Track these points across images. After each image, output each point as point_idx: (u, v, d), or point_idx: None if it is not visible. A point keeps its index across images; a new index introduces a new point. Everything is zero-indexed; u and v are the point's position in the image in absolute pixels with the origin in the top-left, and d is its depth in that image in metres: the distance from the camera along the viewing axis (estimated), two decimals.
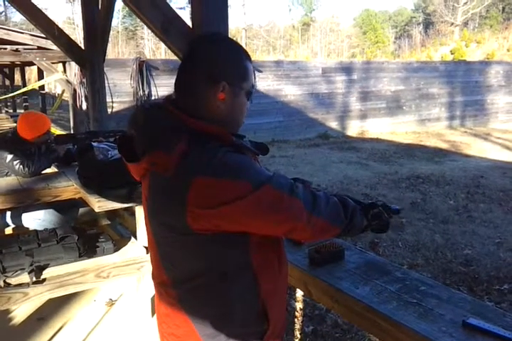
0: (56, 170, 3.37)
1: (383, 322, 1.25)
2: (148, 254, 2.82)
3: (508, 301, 3.24)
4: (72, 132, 8.71)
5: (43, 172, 3.26)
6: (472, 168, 8.24)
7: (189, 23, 2.05)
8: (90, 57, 4.12)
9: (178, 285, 1.12)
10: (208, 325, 1.10)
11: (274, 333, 1.18)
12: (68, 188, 2.90)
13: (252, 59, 1.17)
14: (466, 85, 14.18)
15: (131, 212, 4.11)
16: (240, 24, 45.58)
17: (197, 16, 1.98)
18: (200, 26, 1.90)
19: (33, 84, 10.18)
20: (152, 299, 2.92)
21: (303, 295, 3.04)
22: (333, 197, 1.16)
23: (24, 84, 13.40)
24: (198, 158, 0.98)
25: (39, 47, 8.66)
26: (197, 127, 1.03)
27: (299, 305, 3.06)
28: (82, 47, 4.23)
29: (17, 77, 17.77)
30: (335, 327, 2.87)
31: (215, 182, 0.96)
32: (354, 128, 12.54)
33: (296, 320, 2.94)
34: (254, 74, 1.16)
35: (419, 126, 13.52)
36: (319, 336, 2.79)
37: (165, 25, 2.00)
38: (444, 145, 11.00)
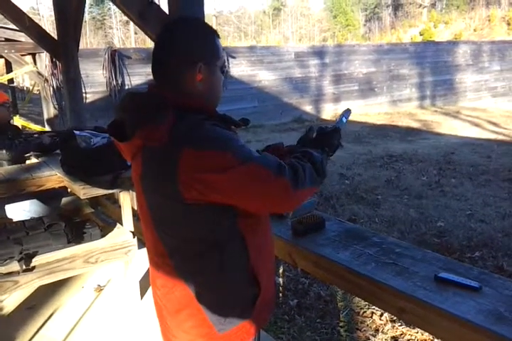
0: (37, 160, 3.38)
1: (363, 281, 1.36)
2: (135, 238, 2.90)
3: (478, 267, 3.40)
4: (46, 126, 8.65)
5: (23, 163, 3.27)
6: (443, 145, 8.48)
7: (166, 9, 2.10)
8: (64, 46, 4.09)
9: (174, 254, 1.18)
10: (206, 293, 1.18)
11: (265, 299, 1.26)
12: (52, 177, 2.92)
13: (225, 45, 1.24)
14: (435, 65, 14.46)
15: (113, 201, 4.15)
16: (210, 11, 45.05)
17: (173, 2, 2.03)
18: (177, 12, 1.95)
19: (2, 77, 9.92)
20: (140, 282, 2.99)
21: (286, 271, 3.16)
22: (304, 159, 1.21)
23: None
24: (186, 130, 1.05)
25: (7, 39, 8.45)
26: (180, 103, 1.10)
27: (282, 280, 3.18)
28: (55, 38, 4.19)
29: None
30: (318, 299, 3.01)
31: (203, 153, 1.02)
32: (328, 111, 12.68)
33: (280, 294, 3.06)
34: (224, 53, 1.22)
35: (391, 106, 13.77)
36: (303, 308, 2.91)
37: (141, 11, 2.04)
38: (415, 125, 11.24)
